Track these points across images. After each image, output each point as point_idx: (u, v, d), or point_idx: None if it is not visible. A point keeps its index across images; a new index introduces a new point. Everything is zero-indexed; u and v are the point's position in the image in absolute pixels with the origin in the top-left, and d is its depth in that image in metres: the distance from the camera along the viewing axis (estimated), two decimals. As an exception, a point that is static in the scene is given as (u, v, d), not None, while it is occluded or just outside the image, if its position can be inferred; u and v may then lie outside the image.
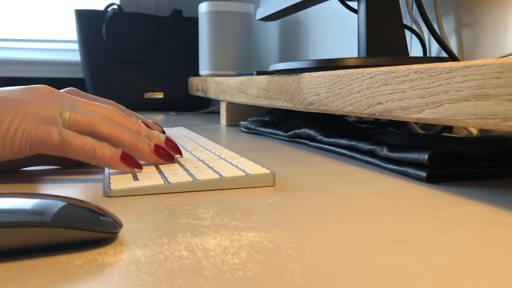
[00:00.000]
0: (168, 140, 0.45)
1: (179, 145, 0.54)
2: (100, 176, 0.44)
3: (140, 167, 0.41)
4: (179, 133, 0.71)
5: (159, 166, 0.43)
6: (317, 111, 0.54)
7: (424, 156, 0.41)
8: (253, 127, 0.78)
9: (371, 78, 0.43)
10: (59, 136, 0.38)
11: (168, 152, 0.44)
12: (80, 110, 0.41)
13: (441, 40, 0.58)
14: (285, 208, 0.33)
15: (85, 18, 1.32)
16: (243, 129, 0.83)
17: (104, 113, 0.43)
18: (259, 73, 0.80)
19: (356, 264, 0.23)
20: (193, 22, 1.41)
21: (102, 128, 0.40)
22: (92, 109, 0.43)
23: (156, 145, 0.43)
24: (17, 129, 0.38)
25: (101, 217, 0.25)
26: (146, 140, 0.43)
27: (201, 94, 1.18)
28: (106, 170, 0.43)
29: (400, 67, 0.40)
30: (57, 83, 1.51)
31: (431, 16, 0.68)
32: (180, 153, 0.46)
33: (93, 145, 0.38)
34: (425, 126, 0.70)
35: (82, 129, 0.40)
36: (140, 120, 0.51)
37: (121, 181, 0.38)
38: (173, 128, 0.80)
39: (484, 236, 0.27)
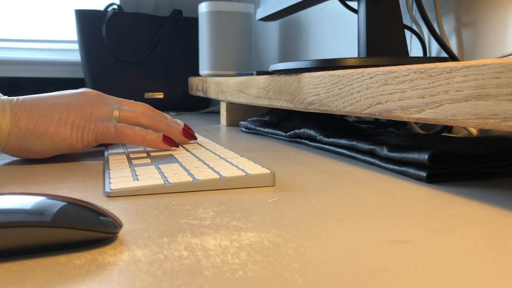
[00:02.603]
0: (186, 126, 0.58)
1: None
2: (100, 176, 0.44)
3: (177, 146, 0.53)
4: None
5: (159, 166, 0.43)
6: (317, 111, 0.54)
7: (424, 156, 0.41)
8: (253, 127, 0.78)
9: (371, 78, 0.43)
10: (115, 129, 0.50)
11: (191, 133, 0.57)
12: (125, 108, 0.53)
13: (441, 40, 0.58)
14: (285, 208, 0.33)
15: (85, 18, 1.32)
16: (243, 129, 0.83)
17: (140, 108, 0.56)
18: (259, 73, 0.80)
19: (356, 264, 0.23)
20: (193, 22, 1.41)
21: (144, 120, 0.53)
22: (132, 106, 0.56)
23: (183, 128, 0.56)
24: (84, 128, 0.50)
25: (101, 217, 0.25)
26: (176, 125, 0.56)
27: (201, 94, 1.18)
28: (106, 170, 0.43)
29: (400, 67, 0.40)
30: (57, 83, 1.51)
31: (431, 16, 0.68)
32: (195, 137, 0.58)
33: (141, 132, 0.51)
34: (425, 126, 0.70)
35: (129, 122, 0.53)
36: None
37: (121, 181, 0.38)
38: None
39: (484, 236, 0.27)
